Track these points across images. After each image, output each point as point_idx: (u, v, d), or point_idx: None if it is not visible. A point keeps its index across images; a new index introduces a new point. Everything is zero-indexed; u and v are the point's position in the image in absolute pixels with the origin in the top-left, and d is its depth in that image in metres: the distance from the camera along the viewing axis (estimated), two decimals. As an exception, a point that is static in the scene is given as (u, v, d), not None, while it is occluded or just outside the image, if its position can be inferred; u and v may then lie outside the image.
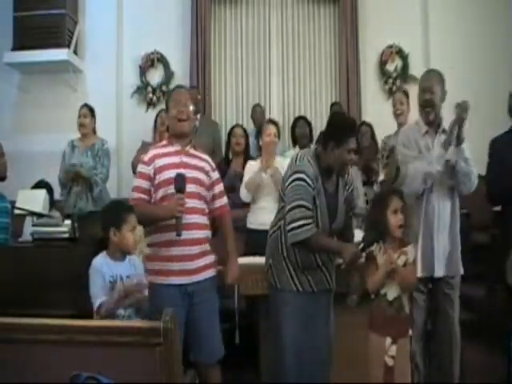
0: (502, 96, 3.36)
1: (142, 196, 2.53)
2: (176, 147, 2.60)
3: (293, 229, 2.40)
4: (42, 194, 3.70)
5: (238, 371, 2.82)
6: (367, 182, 4.10)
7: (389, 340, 2.31)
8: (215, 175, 2.71)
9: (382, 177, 3.96)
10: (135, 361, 1.45)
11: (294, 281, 2.52)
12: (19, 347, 1.48)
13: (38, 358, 1.47)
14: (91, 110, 4.37)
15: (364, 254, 2.39)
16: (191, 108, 2.63)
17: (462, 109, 2.54)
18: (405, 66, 5.50)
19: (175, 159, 2.55)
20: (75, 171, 4.12)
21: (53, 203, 4.11)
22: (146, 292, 2.27)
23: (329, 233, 2.52)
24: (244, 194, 3.71)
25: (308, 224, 2.38)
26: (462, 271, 2.79)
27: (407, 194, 2.59)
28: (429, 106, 2.75)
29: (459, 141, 2.60)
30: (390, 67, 5.54)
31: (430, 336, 2.80)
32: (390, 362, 2.29)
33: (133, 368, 1.45)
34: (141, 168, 2.57)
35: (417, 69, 5.48)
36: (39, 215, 3.35)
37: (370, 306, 2.41)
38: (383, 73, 5.55)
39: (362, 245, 2.37)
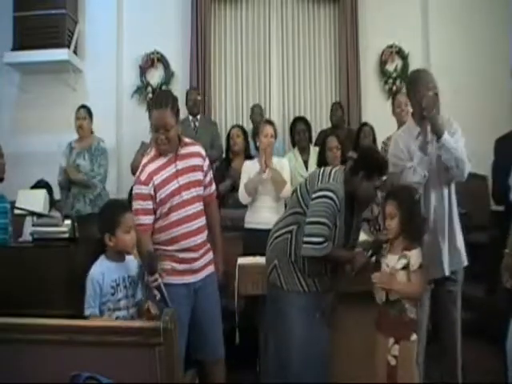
0: (503, 95, 3.36)
1: (148, 218, 2.47)
2: (168, 156, 2.54)
3: (309, 243, 2.45)
4: (41, 193, 3.69)
5: (238, 371, 2.82)
6: None
7: (392, 340, 2.34)
8: (206, 164, 2.67)
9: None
10: (135, 361, 1.46)
11: (300, 283, 2.56)
12: (19, 347, 1.48)
13: (37, 358, 1.47)
14: (89, 112, 4.30)
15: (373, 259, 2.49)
16: (172, 125, 2.46)
17: (426, 108, 2.53)
18: (405, 66, 5.51)
19: (171, 170, 2.52)
20: (67, 174, 4.10)
21: (53, 203, 4.10)
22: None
23: None
24: (243, 196, 3.64)
25: (325, 242, 2.43)
26: (465, 262, 2.74)
27: None
28: (437, 102, 2.68)
29: (438, 135, 2.57)
30: (390, 67, 5.55)
31: (431, 336, 2.79)
32: (393, 362, 2.33)
33: (133, 368, 1.46)
34: (138, 189, 2.48)
35: (417, 69, 5.50)
36: (39, 215, 3.34)
37: (378, 307, 2.44)
38: (383, 73, 5.56)
39: (370, 252, 2.47)
